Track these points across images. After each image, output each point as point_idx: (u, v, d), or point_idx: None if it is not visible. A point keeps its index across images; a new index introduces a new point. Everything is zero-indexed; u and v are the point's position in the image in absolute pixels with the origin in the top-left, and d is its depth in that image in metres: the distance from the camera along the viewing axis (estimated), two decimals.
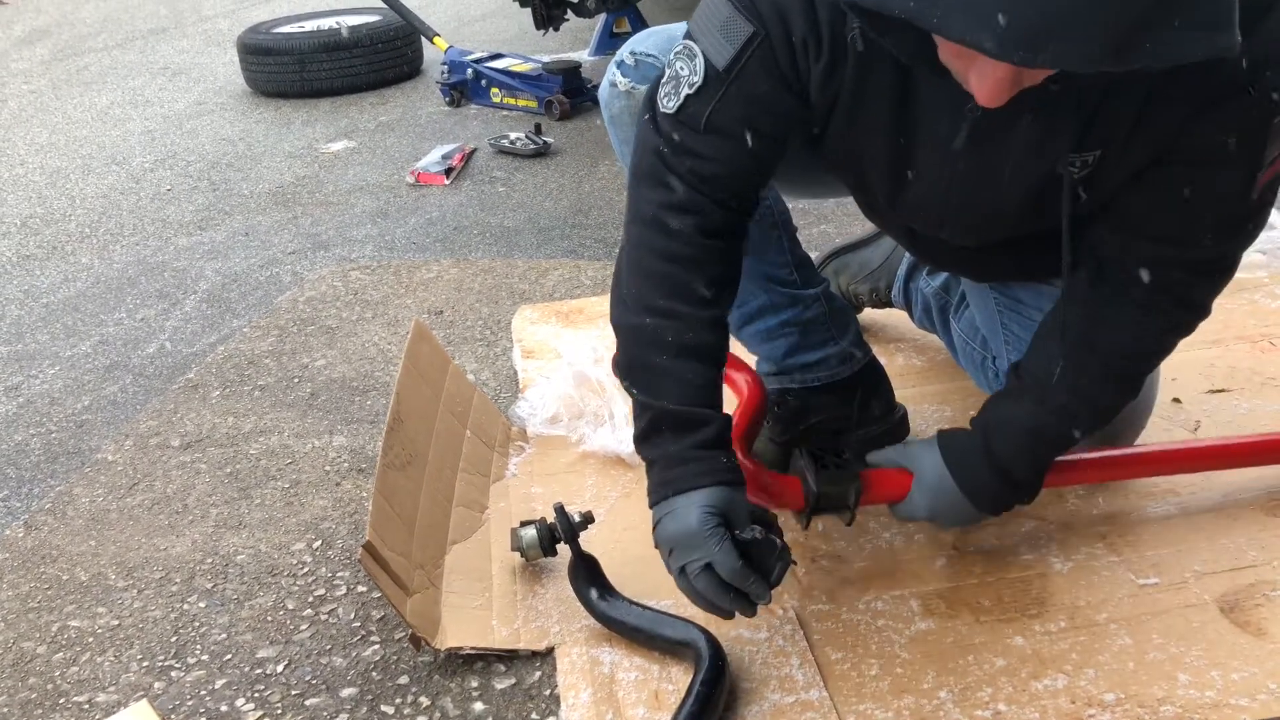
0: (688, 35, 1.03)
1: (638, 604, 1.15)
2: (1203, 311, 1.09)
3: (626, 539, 1.30)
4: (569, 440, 1.48)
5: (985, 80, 0.83)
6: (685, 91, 1.02)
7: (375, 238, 2.44)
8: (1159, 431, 1.40)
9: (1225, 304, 1.70)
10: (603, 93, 1.25)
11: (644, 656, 1.12)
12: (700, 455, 1.04)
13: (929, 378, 1.60)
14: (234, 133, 3.36)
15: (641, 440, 1.08)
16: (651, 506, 1.06)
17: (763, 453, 1.33)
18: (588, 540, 1.21)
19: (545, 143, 3.00)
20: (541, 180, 2.79)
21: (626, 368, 1.11)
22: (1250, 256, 1.86)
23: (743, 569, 1.02)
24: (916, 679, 1.06)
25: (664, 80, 1.05)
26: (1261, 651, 1.06)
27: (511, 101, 3.38)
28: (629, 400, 1.12)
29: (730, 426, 1.08)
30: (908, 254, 1.56)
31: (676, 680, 1.08)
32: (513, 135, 3.04)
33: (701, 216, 1.05)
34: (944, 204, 1.08)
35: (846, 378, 1.35)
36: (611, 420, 1.46)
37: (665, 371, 1.06)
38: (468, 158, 2.98)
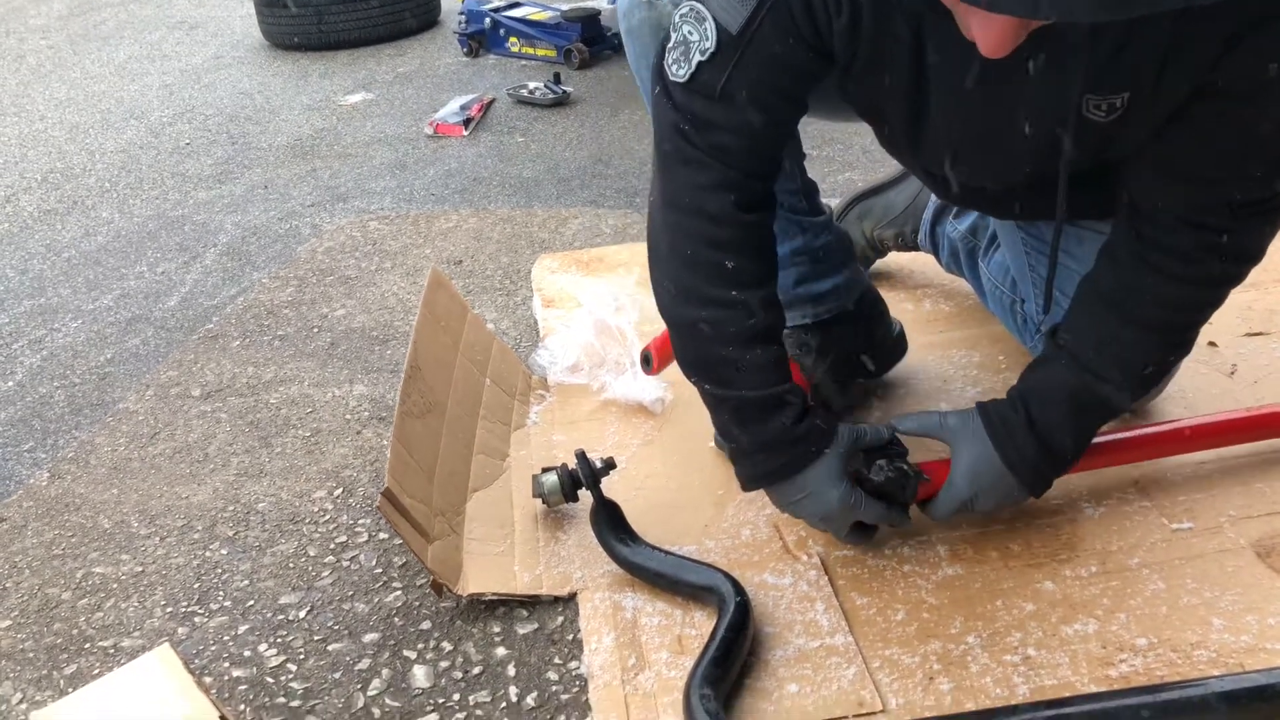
0: None
1: (660, 549, 1.13)
2: (1254, 258, 1.02)
3: (649, 485, 1.29)
4: (590, 388, 1.46)
5: (987, 32, 0.79)
6: (696, 59, 0.98)
7: (394, 189, 2.42)
8: (1193, 375, 1.37)
9: None
10: (621, 3, 1.20)
11: (667, 602, 1.11)
12: (801, 432, 1.05)
13: (956, 323, 1.57)
14: (252, 86, 3.34)
15: (726, 431, 1.09)
16: (760, 487, 1.10)
17: None
18: (609, 487, 1.20)
19: (564, 92, 2.95)
20: (561, 130, 2.76)
21: (694, 364, 1.09)
22: None
23: (885, 509, 1.09)
24: (944, 624, 1.05)
25: (670, 45, 1.00)
26: None
27: (530, 51, 3.33)
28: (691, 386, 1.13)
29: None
30: (934, 197, 1.52)
31: (700, 625, 1.07)
32: (531, 85, 3.00)
33: (737, 193, 1.02)
34: (961, 144, 1.04)
35: (854, 307, 1.33)
36: (633, 368, 1.44)
37: (736, 363, 1.05)
38: (486, 108, 2.94)
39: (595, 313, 1.57)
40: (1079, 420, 1.08)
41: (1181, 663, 0.98)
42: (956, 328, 1.56)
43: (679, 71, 0.99)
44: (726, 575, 1.08)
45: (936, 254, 1.55)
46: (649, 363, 1.36)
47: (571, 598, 1.13)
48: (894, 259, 1.69)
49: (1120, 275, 1.04)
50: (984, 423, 1.08)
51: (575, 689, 1.02)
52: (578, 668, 1.04)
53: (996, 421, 1.08)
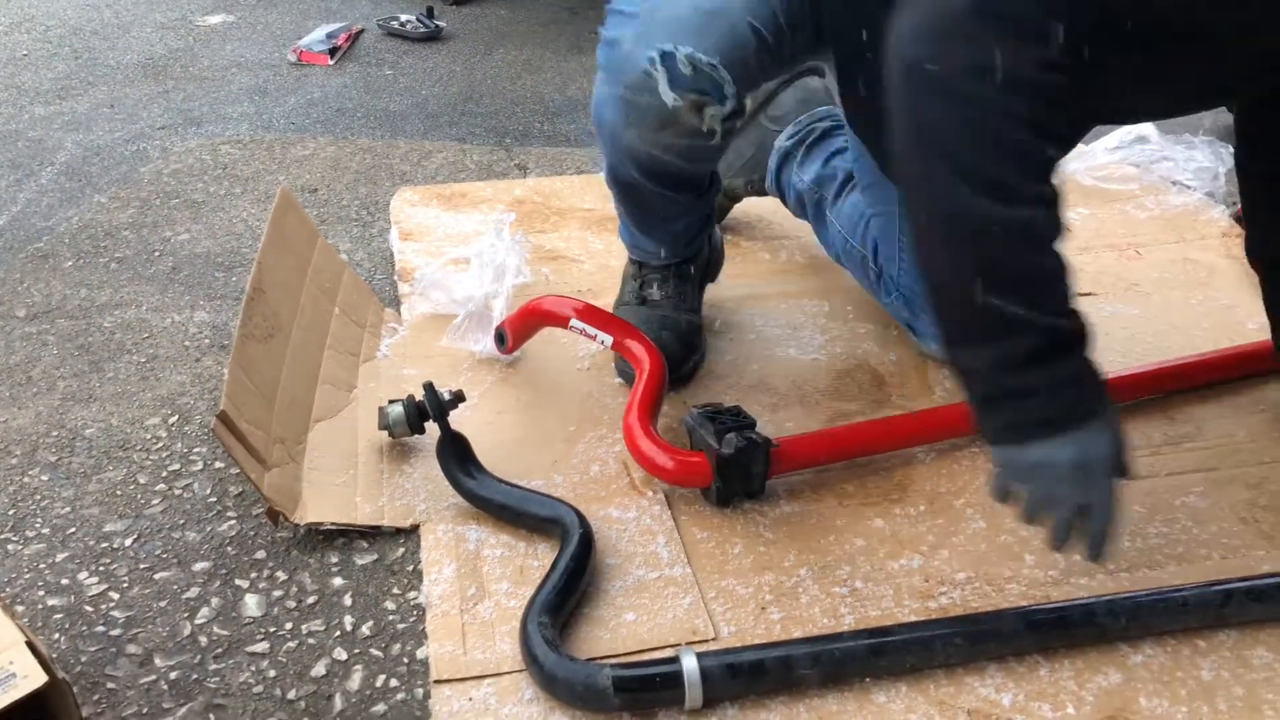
0: None
1: (506, 482, 1.13)
2: None
3: (501, 421, 1.28)
4: (446, 324, 1.44)
5: None
6: None
7: (251, 115, 2.32)
8: None
9: (1098, 213, 1.78)
10: (624, 112, 1.13)
11: (511, 534, 1.10)
12: (1097, 378, 0.92)
13: (810, 273, 1.60)
14: None
15: (1014, 369, 0.89)
16: (1030, 440, 0.92)
17: None
18: (460, 422, 1.18)
19: (437, 26, 2.88)
20: (432, 65, 2.69)
21: (995, 279, 0.87)
22: (1123, 169, 1.93)
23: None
24: (778, 557, 1.08)
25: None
26: None
27: None
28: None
29: None
30: (776, 144, 1.55)
31: (543, 556, 1.07)
32: (404, 17, 2.91)
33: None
34: None
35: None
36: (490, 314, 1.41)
37: (1054, 275, 0.88)
38: (354, 38, 2.84)
39: (455, 249, 1.54)
40: None
41: (995, 595, 1.04)
42: (810, 277, 1.59)
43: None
44: (571, 508, 1.09)
45: (784, 200, 1.58)
46: (503, 341, 1.35)
47: (414, 529, 1.11)
48: (750, 205, 1.71)
49: None
50: None
51: (413, 618, 1.01)
52: (416, 598, 1.03)
53: None
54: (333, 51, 2.70)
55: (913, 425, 1.21)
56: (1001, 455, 0.95)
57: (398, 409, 1.17)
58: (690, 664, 0.90)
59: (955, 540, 1.11)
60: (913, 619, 1.00)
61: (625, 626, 1.00)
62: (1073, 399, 0.91)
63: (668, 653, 0.94)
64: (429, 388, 1.15)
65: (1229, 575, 1.02)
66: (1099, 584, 1.05)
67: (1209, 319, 1.50)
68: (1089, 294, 1.54)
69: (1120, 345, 1.42)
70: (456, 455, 1.14)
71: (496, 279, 1.42)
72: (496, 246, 1.44)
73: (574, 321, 1.28)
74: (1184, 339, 1.42)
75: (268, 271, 1.23)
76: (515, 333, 1.34)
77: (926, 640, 0.94)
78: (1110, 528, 0.94)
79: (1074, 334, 0.90)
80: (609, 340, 1.27)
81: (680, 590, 1.04)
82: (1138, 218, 1.78)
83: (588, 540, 1.05)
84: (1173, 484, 1.18)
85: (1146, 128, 1.91)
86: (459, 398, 1.17)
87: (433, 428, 1.16)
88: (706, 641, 0.98)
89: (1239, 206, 1.81)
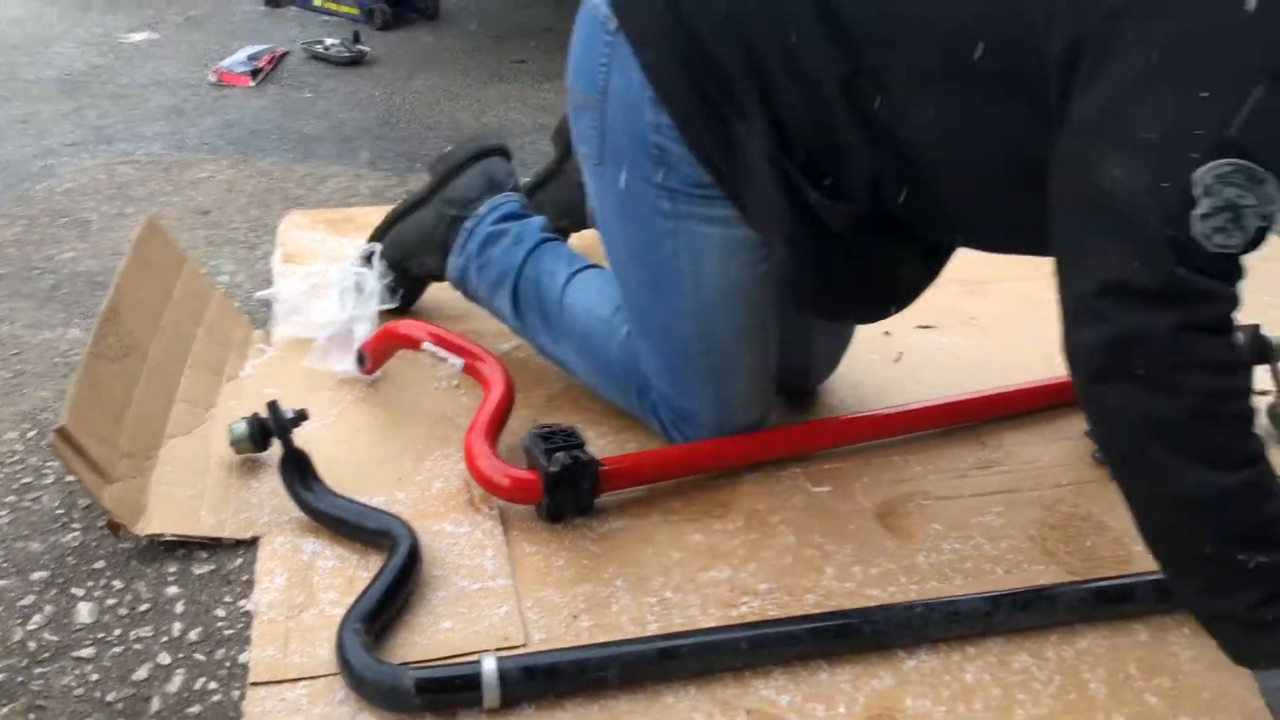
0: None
1: (344, 498, 1.19)
2: None
3: (355, 440, 1.34)
4: (311, 346, 1.49)
5: None
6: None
7: (165, 135, 2.36)
8: (865, 359, 1.53)
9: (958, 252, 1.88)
10: None
11: (346, 547, 1.16)
12: None
13: None
14: (24, 13, 3.15)
15: (1267, 603, 0.87)
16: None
17: None
18: (315, 440, 1.24)
19: (361, 51, 2.94)
20: (353, 89, 2.75)
21: (1243, 535, 0.86)
22: None
23: None
24: (599, 569, 1.15)
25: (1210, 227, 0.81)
26: (903, 550, 1.19)
27: (333, 6, 3.29)
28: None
29: None
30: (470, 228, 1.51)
31: (373, 568, 1.12)
32: (328, 41, 2.97)
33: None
34: None
35: None
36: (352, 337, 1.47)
37: None
38: (277, 61, 2.89)
39: (326, 273, 1.60)
40: None
41: (792, 604, 1.11)
42: None
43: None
44: (402, 522, 1.15)
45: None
46: (364, 362, 1.41)
47: (254, 541, 1.17)
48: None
49: None
50: None
51: (240, 625, 1.06)
52: (246, 605, 1.08)
53: None
54: (255, 73, 2.75)
55: (738, 448, 1.29)
56: (1269, 681, 0.97)
57: (241, 426, 1.22)
58: (489, 666, 0.97)
59: (764, 554, 1.18)
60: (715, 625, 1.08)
61: (441, 633, 1.06)
62: None
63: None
64: (272, 406, 1.21)
65: (1010, 588, 1.11)
66: (889, 595, 1.13)
67: (1037, 351, 1.60)
68: (927, 326, 1.64)
69: (948, 376, 1.51)
70: (298, 471, 1.20)
71: (361, 303, 1.48)
72: (363, 271, 1.51)
73: (426, 345, 1.35)
74: (1010, 371, 1.52)
75: (126, 293, 1.28)
76: (374, 354, 1.41)
77: (714, 645, 1.01)
78: None
79: None
80: (460, 363, 1.34)
81: (499, 600, 1.10)
82: (991, 255, 1.88)
83: (414, 552, 1.11)
84: (974, 504, 1.28)
85: None
86: (302, 416, 1.23)
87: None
88: (517, 647, 1.04)
89: None
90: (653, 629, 1.08)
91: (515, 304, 1.41)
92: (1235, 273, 0.85)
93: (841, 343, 1.44)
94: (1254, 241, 0.83)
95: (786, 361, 1.32)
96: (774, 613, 1.10)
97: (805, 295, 1.19)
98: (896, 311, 1.27)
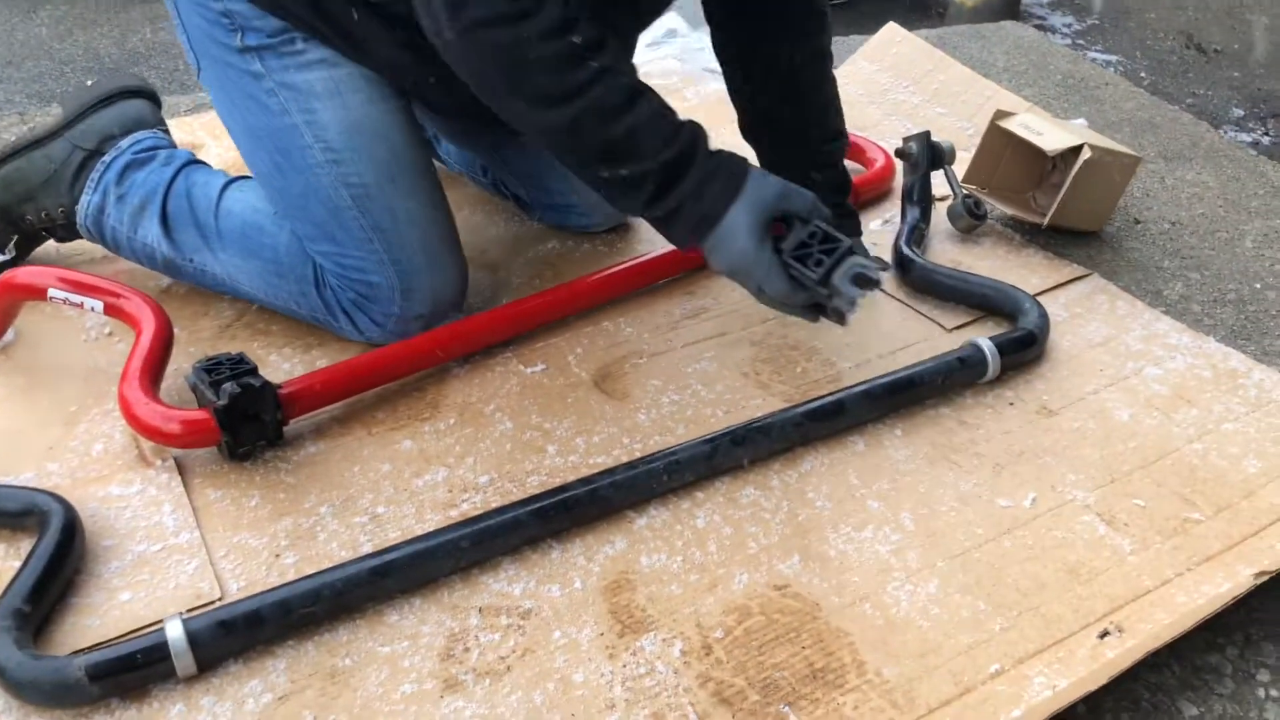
0: None
1: None
2: None
3: None
4: None
5: None
6: None
7: None
8: None
9: None
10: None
11: None
12: (719, 168, 1.02)
13: None
14: None
15: (655, 202, 1.02)
16: (698, 245, 1.04)
17: None
18: None
19: None
20: None
21: (599, 156, 1.00)
22: (665, 63, 2.00)
23: (794, 288, 1.03)
24: (298, 501, 1.04)
25: None
26: (622, 412, 1.15)
27: None
28: None
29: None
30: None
31: (26, 554, 0.96)
32: None
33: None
34: None
35: None
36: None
37: (633, 131, 0.98)
38: None
39: None
40: None
41: (516, 491, 1.05)
42: None
43: None
44: (51, 495, 0.98)
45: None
46: None
47: None
48: None
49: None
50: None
51: None
52: None
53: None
54: None
55: (434, 342, 1.19)
56: (711, 262, 1.06)
57: None
58: (175, 631, 0.85)
59: (481, 446, 1.11)
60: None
61: (120, 608, 0.92)
62: (717, 190, 1.02)
63: None
64: None
65: (730, 427, 1.09)
66: (614, 460, 1.08)
67: None
68: None
69: (652, 232, 1.47)
70: None
71: None
72: None
73: (53, 291, 1.15)
74: None
75: None
76: None
77: (430, 551, 0.93)
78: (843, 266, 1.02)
79: (683, 153, 1.00)
80: (99, 306, 1.16)
81: (186, 557, 0.97)
82: (679, 107, 1.85)
83: (69, 526, 0.95)
84: (688, 354, 1.25)
85: (674, 19, 1.99)
86: None
87: None
88: (212, 604, 0.92)
89: None
90: (367, 549, 0.98)
91: (165, 224, 1.25)
92: None
93: None
94: None
95: (549, 198, 1.45)
96: (498, 504, 1.03)
97: (439, 108, 1.27)
98: None
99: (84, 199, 1.29)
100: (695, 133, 1.02)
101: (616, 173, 1.01)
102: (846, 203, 1.31)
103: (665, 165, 1.00)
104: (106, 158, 1.29)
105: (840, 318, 1.05)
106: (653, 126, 1.00)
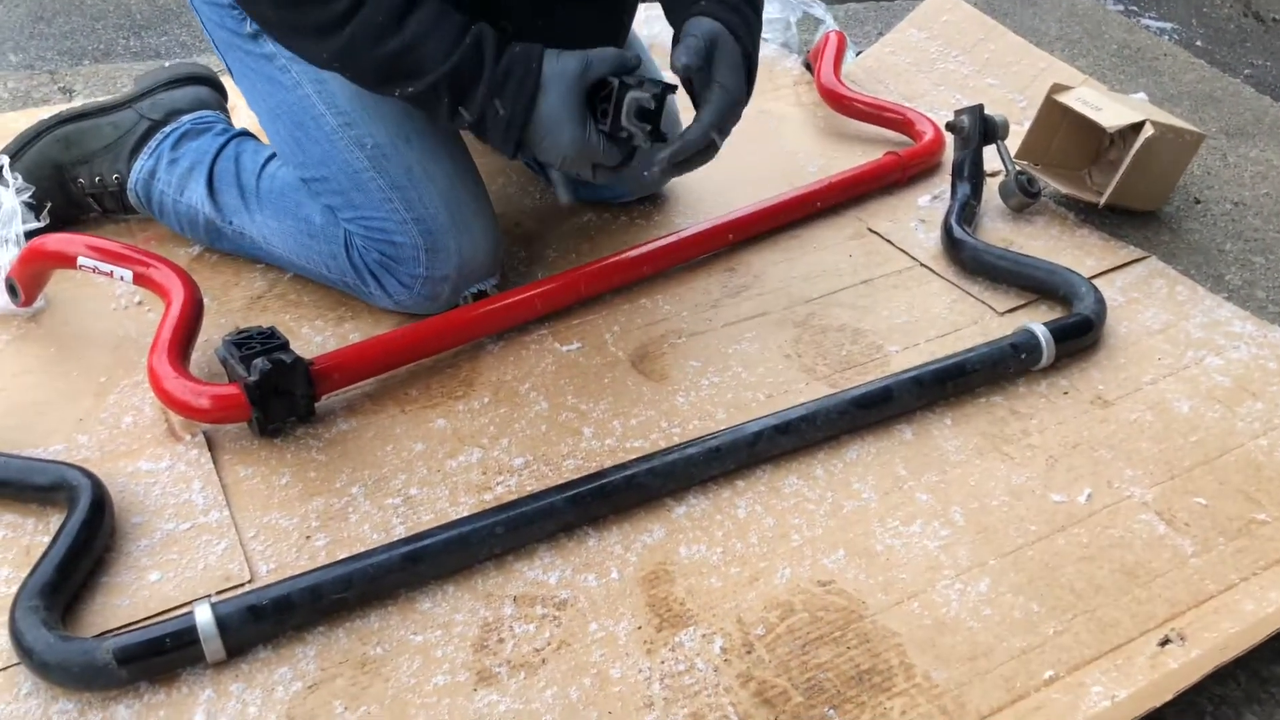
0: None
1: (4, 454, 0.99)
2: None
3: (18, 384, 1.12)
4: None
5: None
6: None
7: None
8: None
9: None
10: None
11: (18, 511, 0.97)
12: (513, 65, 1.00)
13: None
14: None
15: (455, 115, 1.02)
16: (516, 148, 1.04)
17: None
18: None
19: None
20: None
21: (384, 77, 1.01)
22: None
23: (610, 148, 1.04)
24: (329, 480, 1.01)
25: None
26: (660, 395, 1.12)
27: None
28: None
29: None
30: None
31: (55, 531, 0.94)
32: None
33: None
34: None
35: None
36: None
37: (409, 47, 0.98)
38: None
39: None
40: None
41: (551, 474, 1.02)
42: None
43: None
44: (80, 469, 0.96)
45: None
46: (16, 293, 1.18)
47: None
48: None
49: None
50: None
51: None
52: None
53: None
54: None
55: (469, 318, 1.16)
56: (544, 161, 1.07)
57: None
58: (204, 616, 0.83)
59: (517, 426, 1.08)
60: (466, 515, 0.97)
61: (148, 588, 0.90)
62: (513, 90, 1.01)
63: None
64: None
65: (773, 412, 1.05)
66: (652, 444, 1.05)
67: (775, 168, 1.54)
68: None
69: (691, 205, 1.43)
70: None
71: (1, 225, 1.23)
72: None
73: (82, 259, 1.13)
74: (752, 190, 1.45)
75: None
76: (24, 282, 1.17)
77: (464, 537, 0.91)
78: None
79: (466, 60, 0.99)
80: (128, 275, 1.13)
81: (215, 536, 0.95)
82: None
83: (98, 503, 0.93)
84: (728, 334, 1.21)
85: None
86: None
87: None
88: (240, 586, 0.90)
89: (810, 51, 1.88)
90: (399, 533, 0.96)
91: (210, 186, 1.26)
92: None
93: None
94: None
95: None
96: (532, 488, 1.00)
97: None
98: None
99: (138, 163, 1.30)
100: (480, 36, 1.00)
101: (406, 90, 1.01)
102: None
103: (450, 76, 0.99)
104: (167, 128, 1.31)
105: (648, 167, 1.06)
106: (431, 40, 0.98)
